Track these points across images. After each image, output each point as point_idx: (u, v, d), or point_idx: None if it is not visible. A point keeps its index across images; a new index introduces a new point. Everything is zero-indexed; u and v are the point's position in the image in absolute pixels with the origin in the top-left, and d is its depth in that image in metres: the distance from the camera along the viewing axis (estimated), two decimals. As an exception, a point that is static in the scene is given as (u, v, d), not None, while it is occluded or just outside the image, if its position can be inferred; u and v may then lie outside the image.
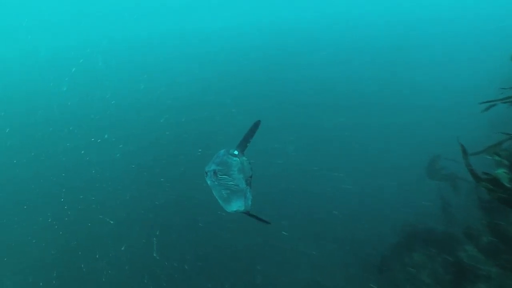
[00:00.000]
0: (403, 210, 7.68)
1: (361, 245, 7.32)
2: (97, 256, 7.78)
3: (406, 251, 6.13)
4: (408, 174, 8.83)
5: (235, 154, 2.77)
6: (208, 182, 2.78)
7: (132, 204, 9.31)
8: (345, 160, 10.15)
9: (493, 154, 4.09)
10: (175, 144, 11.61)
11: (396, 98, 14.03)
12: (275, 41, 23.91)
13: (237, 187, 2.68)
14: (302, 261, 7.29)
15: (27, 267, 7.75)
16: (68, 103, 15.09)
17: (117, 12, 37.23)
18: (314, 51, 20.73)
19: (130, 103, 15.37)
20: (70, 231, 8.59)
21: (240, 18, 35.33)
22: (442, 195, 7.32)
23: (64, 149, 12.08)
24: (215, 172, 2.71)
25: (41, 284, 7.32)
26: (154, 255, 7.66)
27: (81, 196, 9.69)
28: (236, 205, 2.67)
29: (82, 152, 11.71)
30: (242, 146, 2.84)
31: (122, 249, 7.92)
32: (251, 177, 2.74)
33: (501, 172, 3.72)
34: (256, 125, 2.91)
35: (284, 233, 7.56)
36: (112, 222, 8.67)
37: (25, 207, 9.54)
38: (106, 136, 12.32)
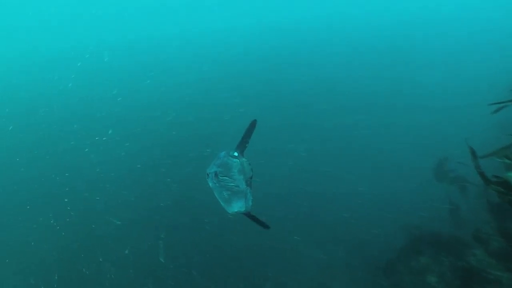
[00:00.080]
0: (411, 213, 7.59)
1: (369, 248, 7.19)
2: (101, 260, 7.59)
3: (414, 255, 6.07)
4: (416, 176, 8.68)
5: (235, 156, 2.81)
6: (210, 183, 2.84)
7: (137, 205, 9.10)
8: (353, 162, 9.99)
9: (503, 156, 3.99)
10: (181, 144, 11.40)
11: (404, 99, 13.86)
12: (286, 41, 23.88)
13: (238, 188, 2.71)
14: (308, 263, 7.16)
15: (28, 268, 7.61)
16: (72, 101, 15.01)
17: (129, 12, 37.86)
18: (330, 52, 20.57)
19: (136, 101, 15.23)
20: (73, 232, 8.42)
21: (251, 18, 35.61)
22: (451, 198, 7.26)
23: (67, 147, 11.92)
24: (216, 174, 2.77)
25: (42, 286, 7.17)
26: (160, 259, 7.43)
27: (85, 196, 9.50)
28: (237, 206, 2.69)
29: (86, 150, 11.56)
30: (241, 147, 2.88)
31: (126, 252, 7.71)
32: (251, 177, 2.77)
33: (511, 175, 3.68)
34: (252, 125, 2.93)
35: (296, 237, 7.40)
36: (116, 223, 8.47)
37: (27, 207, 9.35)
38: (110, 131, 12.17)
